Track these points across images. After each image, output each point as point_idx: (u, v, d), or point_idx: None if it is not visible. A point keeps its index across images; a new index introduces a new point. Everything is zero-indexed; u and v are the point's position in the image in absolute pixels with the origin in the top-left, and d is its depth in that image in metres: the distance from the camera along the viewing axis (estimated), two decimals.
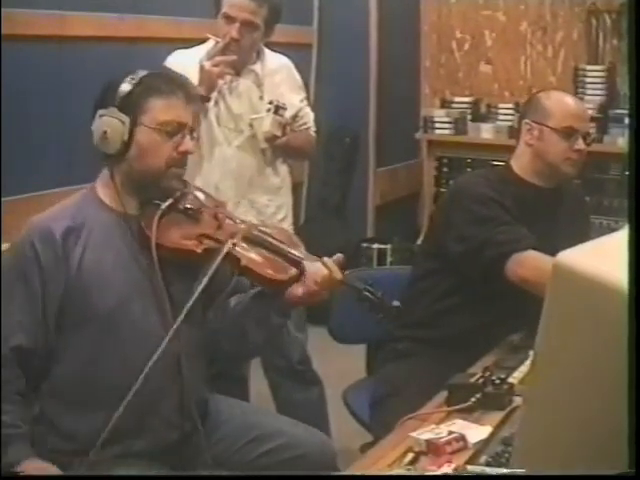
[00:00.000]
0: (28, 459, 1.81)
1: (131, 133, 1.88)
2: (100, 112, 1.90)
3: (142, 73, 1.92)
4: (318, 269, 1.95)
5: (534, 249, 2.29)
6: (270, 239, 2.02)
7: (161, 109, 1.90)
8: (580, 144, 2.43)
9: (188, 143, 1.92)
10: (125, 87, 1.89)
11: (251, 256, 1.97)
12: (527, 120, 2.48)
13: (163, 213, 1.91)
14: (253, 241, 2.00)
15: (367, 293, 1.98)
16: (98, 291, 1.87)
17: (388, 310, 2.00)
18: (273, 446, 2.02)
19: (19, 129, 2.97)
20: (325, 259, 1.97)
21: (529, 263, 2.27)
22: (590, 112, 2.59)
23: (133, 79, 1.89)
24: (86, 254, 1.88)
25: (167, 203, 1.92)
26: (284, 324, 2.09)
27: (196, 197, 2.03)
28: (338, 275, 1.96)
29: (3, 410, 1.81)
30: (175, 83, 1.94)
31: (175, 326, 1.83)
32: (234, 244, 1.94)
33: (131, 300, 1.90)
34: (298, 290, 1.96)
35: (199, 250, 1.93)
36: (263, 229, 2.06)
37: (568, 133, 2.42)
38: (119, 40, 3.40)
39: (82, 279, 1.87)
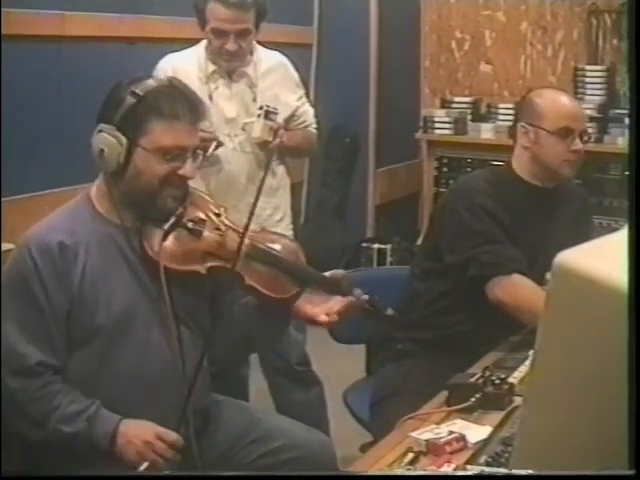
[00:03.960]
0: (122, 422, 1.82)
1: (129, 153, 1.84)
2: (100, 127, 1.86)
3: (147, 87, 1.85)
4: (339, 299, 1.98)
5: (521, 273, 2.29)
6: (275, 254, 1.99)
7: (162, 133, 1.83)
8: (577, 144, 2.39)
9: (188, 168, 1.87)
10: (127, 103, 1.83)
11: (254, 274, 1.94)
12: (522, 123, 2.45)
13: (166, 233, 1.88)
14: (256, 257, 1.97)
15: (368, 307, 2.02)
16: (101, 308, 1.85)
17: (382, 318, 2.05)
18: (273, 447, 2.02)
19: (19, 129, 2.97)
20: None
21: (509, 288, 2.29)
22: (589, 111, 2.55)
23: (136, 94, 1.83)
24: (86, 271, 1.85)
25: (170, 223, 1.88)
26: (286, 328, 2.09)
27: (197, 207, 1.97)
28: (363, 296, 1.99)
29: (67, 402, 1.80)
30: (182, 102, 1.86)
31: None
32: (237, 262, 1.90)
33: (133, 314, 1.88)
34: (316, 311, 1.98)
35: (203, 271, 1.90)
36: (268, 244, 2.02)
37: (564, 134, 2.39)
38: (119, 40, 3.41)
39: (84, 297, 1.84)
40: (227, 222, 1.99)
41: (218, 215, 1.99)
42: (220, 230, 1.96)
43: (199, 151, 1.92)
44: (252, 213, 1.87)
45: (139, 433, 1.81)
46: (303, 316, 2.02)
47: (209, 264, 1.92)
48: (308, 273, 2.03)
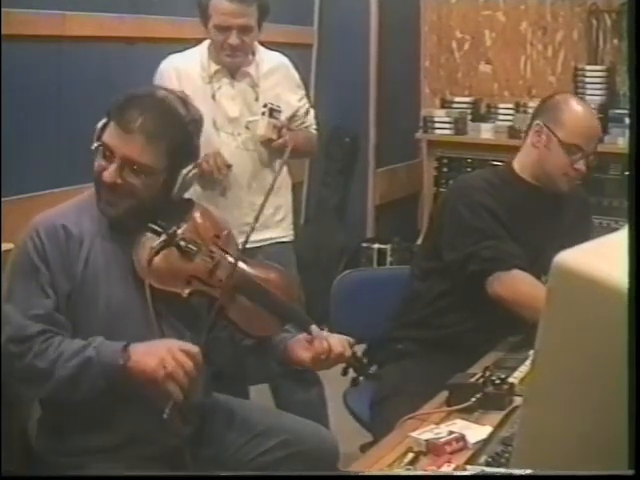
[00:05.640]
0: (129, 345, 1.77)
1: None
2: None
3: (131, 92, 1.89)
4: (336, 343, 1.94)
5: (521, 268, 2.30)
6: (264, 289, 1.96)
7: (107, 131, 1.86)
8: (581, 165, 2.40)
9: (108, 172, 1.83)
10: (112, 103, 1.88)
11: (237, 308, 1.91)
12: (539, 121, 2.45)
13: (155, 251, 1.86)
14: (243, 290, 1.94)
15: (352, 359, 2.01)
16: (100, 301, 1.86)
17: (365, 375, 2.08)
18: (275, 443, 2.03)
19: (19, 129, 2.97)
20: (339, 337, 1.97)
21: (509, 283, 2.30)
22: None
23: (121, 97, 1.88)
24: (90, 262, 1.86)
25: (160, 240, 1.87)
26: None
27: (195, 227, 1.95)
28: (348, 352, 1.96)
29: (69, 342, 1.79)
30: (142, 112, 1.84)
31: None
32: (222, 293, 1.87)
33: (130, 312, 1.88)
34: (306, 354, 1.94)
35: (185, 294, 1.88)
36: (260, 276, 1.98)
37: (573, 150, 2.39)
38: (119, 40, 3.40)
39: (85, 285, 1.85)
40: (223, 248, 1.97)
41: (217, 238, 1.97)
42: (213, 256, 1.93)
43: (136, 167, 1.85)
44: (252, 229, 1.86)
45: (160, 344, 1.78)
46: (295, 359, 1.97)
47: (192, 288, 1.89)
48: (295, 315, 2.00)
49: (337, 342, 1.95)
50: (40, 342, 1.79)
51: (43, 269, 1.83)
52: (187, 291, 1.89)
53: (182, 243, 1.89)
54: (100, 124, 1.89)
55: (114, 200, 1.86)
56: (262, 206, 1.92)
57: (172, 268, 1.89)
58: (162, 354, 1.74)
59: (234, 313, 1.92)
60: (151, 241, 1.87)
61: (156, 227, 1.89)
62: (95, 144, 1.88)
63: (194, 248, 1.91)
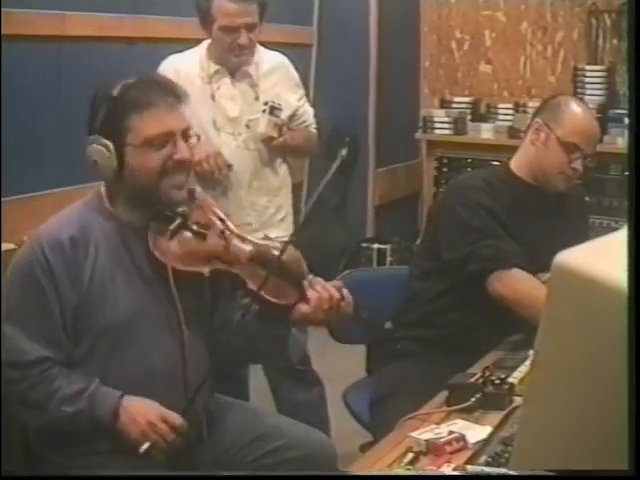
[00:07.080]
0: (124, 398, 1.82)
1: (120, 155, 1.84)
2: (89, 139, 1.86)
3: (118, 86, 1.84)
4: (329, 294, 1.94)
5: (521, 267, 2.30)
6: (279, 259, 1.95)
7: (143, 125, 1.83)
8: (578, 164, 2.41)
9: (183, 150, 1.86)
10: (104, 108, 1.83)
11: (257, 279, 1.93)
12: (539, 119, 2.46)
13: (172, 235, 1.88)
14: (260, 262, 1.96)
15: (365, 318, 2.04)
16: (108, 306, 1.86)
17: (379, 332, 2.11)
18: (273, 447, 2.03)
19: (19, 129, 2.97)
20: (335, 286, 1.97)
21: (509, 282, 2.30)
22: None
23: (108, 97, 1.83)
24: (96, 268, 1.86)
25: (176, 223, 1.89)
26: (287, 335, 2.08)
27: (202, 212, 1.98)
28: (349, 308, 1.98)
29: (67, 383, 1.81)
30: (155, 89, 1.86)
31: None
32: (241, 267, 1.90)
33: (139, 315, 1.88)
34: (305, 309, 1.94)
35: (206, 273, 1.91)
36: (273, 250, 2.00)
37: (571, 149, 2.40)
38: (119, 40, 3.40)
39: (93, 293, 1.85)
40: (231, 227, 2.00)
41: (223, 221, 2.00)
42: (224, 235, 1.97)
43: (191, 132, 1.90)
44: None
45: (143, 412, 1.82)
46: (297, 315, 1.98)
47: (212, 266, 1.92)
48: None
49: (329, 287, 1.96)
50: (36, 373, 1.81)
51: (49, 287, 1.82)
52: (208, 269, 1.91)
53: (194, 227, 1.93)
54: (105, 144, 1.84)
55: (182, 182, 1.89)
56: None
57: (190, 249, 1.91)
58: (143, 427, 1.80)
59: (255, 284, 1.92)
60: (165, 226, 1.89)
61: (167, 213, 1.90)
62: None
63: (206, 230, 1.94)
